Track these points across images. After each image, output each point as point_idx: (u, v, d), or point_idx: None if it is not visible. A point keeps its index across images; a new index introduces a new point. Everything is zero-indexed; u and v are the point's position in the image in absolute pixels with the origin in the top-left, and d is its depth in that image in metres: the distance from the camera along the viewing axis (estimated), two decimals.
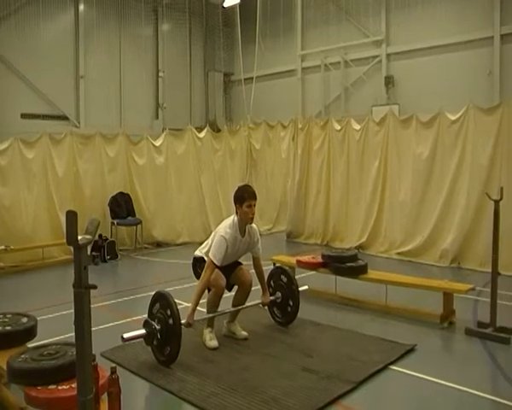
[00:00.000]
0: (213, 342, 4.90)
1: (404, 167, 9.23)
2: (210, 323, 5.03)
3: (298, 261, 6.75)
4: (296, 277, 7.01)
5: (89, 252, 8.48)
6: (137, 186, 10.30)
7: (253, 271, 5.32)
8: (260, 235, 11.83)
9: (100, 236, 9.11)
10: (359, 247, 9.52)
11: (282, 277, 5.65)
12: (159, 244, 10.55)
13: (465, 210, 8.40)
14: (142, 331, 4.50)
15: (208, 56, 19.33)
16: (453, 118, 8.68)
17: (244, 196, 4.95)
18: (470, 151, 8.45)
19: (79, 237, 2.32)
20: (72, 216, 2.29)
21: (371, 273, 6.33)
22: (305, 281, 7.18)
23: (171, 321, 4.43)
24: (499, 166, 8.13)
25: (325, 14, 15.99)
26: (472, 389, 4.04)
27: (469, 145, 8.46)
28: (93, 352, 2.47)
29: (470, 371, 4.52)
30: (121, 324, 5.78)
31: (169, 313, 4.46)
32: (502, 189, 5.57)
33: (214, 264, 4.83)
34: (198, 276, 5.08)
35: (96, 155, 9.84)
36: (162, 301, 4.58)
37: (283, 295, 5.55)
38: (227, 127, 12.82)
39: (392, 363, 4.55)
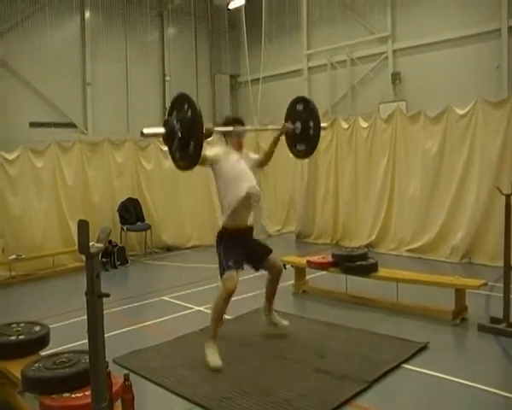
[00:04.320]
0: (215, 360, 4.51)
1: (412, 164, 9.20)
2: (213, 336, 4.66)
3: (308, 262, 6.75)
4: (307, 277, 7.10)
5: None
6: (146, 191, 10.35)
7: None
8: (270, 236, 11.91)
9: (110, 242, 9.13)
10: (369, 245, 9.49)
11: (298, 106, 5.37)
12: (169, 249, 10.59)
13: (475, 205, 8.35)
14: (162, 130, 4.27)
15: (214, 59, 19.35)
16: (461, 112, 8.63)
17: (230, 122, 4.92)
18: (479, 146, 8.40)
19: (91, 245, 2.35)
20: (83, 225, 2.32)
21: (382, 271, 6.31)
22: (316, 281, 7.23)
23: (190, 115, 4.16)
24: (509, 160, 8.07)
25: (330, 12, 15.94)
26: (486, 386, 4.02)
27: (478, 140, 8.41)
28: (106, 358, 2.49)
29: (484, 367, 4.49)
30: (133, 329, 5.82)
31: (189, 112, 4.18)
32: None
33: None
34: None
35: (104, 162, 9.89)
36: (182, 102, 4.27)
37: (302, 121, 5.29)
38: None
39: (404, 361, 4.53)
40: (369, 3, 15.15)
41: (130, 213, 9.88)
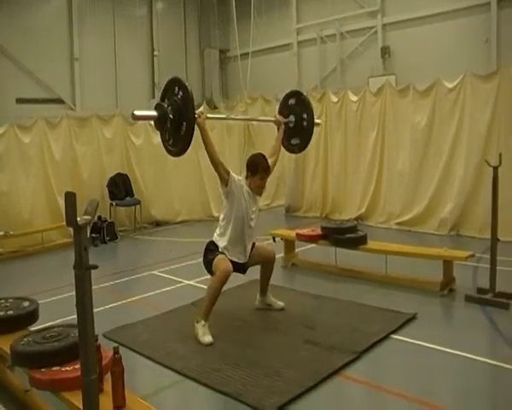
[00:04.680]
0: (207, 338, 4.49)
1: (401, 137, 9.21)
2: (206, 316, 4.60)
3: (297, 234, 6.76)
4: (296, 250, 7.14)
5: (88, 234, 8.50)
6: (135, 166, 10.30)
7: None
8: (259, 210, 11.89)
9: (99, 217, 9.12)
10: (358, 218, 9.55)
11: (291, 100, 5.51)
12: (158, 224, 10.58)
13: (463, 178, 8.40)
14: (154, 113, 4.35)
15: (203, 33, 19.11)
16: (450, 86, 8.63)
17: (258, 169, 4.82)
18: (468, 119, 8.43)
19: (78, 219, 2.33)
20: (70, 197, 2.30)
21: (371, 244, 6.35)
22: (306, 254, 7.27)
23: (180, 100, 4.30)
24: (497, 133, 8.11)
25: None
26: (473, 355, 4.09)
27: (467, 113, 8.44)
28: (96, 333, 2.49)
29: (471, 336, 4.56)
30: (122, 304, 5.84)
31: (180, 94, 4.31)
32: (500, 155, 5.54)
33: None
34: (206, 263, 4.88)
35: (92, 137, 9.81)
36: (174, 86, 4.40)
37: (296, 114, 5.43)
38: (223, 104, 12.74)
39: (393, 332, 4.58)
40: None
41: (120, 188, 9.83)
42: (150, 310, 5.49)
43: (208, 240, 4.94)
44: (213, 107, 14.01)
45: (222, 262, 4.62)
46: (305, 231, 6.79)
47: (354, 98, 9.93)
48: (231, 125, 11.62)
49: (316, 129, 10.46)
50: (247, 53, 14.79)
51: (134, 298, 6.03)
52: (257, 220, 5.01)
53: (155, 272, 7.09)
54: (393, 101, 9.33)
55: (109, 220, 9.44)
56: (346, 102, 10.02)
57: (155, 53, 17.68)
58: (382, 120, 9.45)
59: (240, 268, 4.93)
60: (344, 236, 6.34)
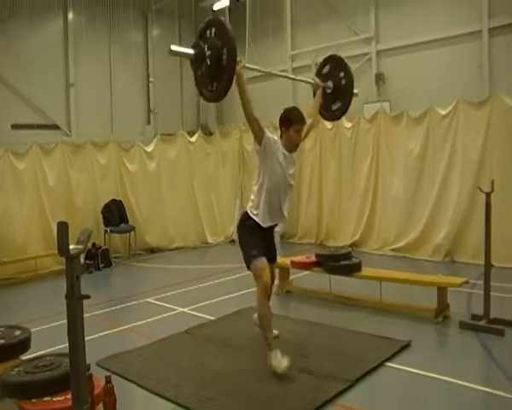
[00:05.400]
0: (283, 363, 4.21)
1: (395, 164, 9.27)
2: (270, 346, 4.37)
3: (292, 262, 6.76)
4: (291, 277, 7.12)
5: (82, 261, 8.49)
6: (130, 193, 10.31)
7: None
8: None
9: (93, 244, 9.10)
10: (353, 245, 9.55)
11: (325, 68, 5.37)
12: (152, 250, 10.55)
13: (457, 204, 8.45)
14: (191, 51, 4.10)
15: None
16: (443, 113, 8.73)
17: (292, 119, 4.46)
18: (461, 146, 8.51)
19: (71, 247, 2.33)
20: (63, 227, 2.30)
21: (365, 271, 6.34)
22: (300, 281, 7.26)
23: (224, 52, 3.97)
24: (490, 159, 8.18)
25: (315, 13, 15.99)
26: (467, 383, 4.06)
27: (460, 140, 8.52)
28: (89, 361, 2.49)
29: (465, 364, 4.55)
30: (116, 332, 5.79)
31: (222, 44, 3.98)
32: (493, 182, 5.58)
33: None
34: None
35: (87, 164, 9.83)
36: (218, 29, 4.06)
37: (333, 78, 5.27)
38: (219, 130, 12.81)
39: (387, 360, 4.55)
40: (353, 4, 15.23)
41: (114, 214, 9.83)
42: (144, 338, 5.45)
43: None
44: (209, 133, 14.07)
45: (263, 272, 4.33)
46: (299, 259, 6.78)
47: (348, 125, 10.00)
48: (226, 152, 11.65)
49: (310, 154, 10.62)
50: None
51: (127, 326, 5.99)
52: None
53: (149, 300, 7.05)
54: (387, 127, 9.41)
55: (104, 247, 9.41)
56: (341, 128, 10.09)
57: (151, 79, 17.82)
58: (376, 146, 9.52)
59: (268, 231, 4.65)
60: (338, 263, 6.33)
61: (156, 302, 6.92)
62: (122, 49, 16.86)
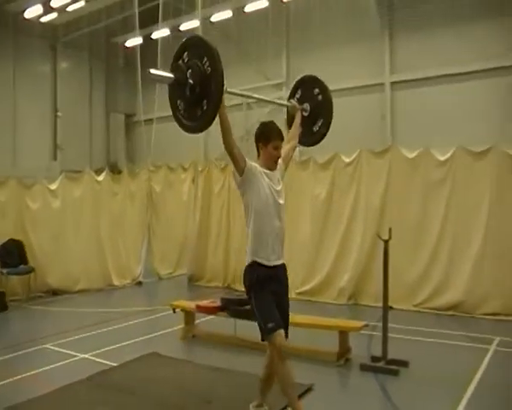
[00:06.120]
0: None
1: (302, 209, 9.46)
2: (296, 406, 4.03)
3: (197, 306, 6.68)
4: (197, 321, 7.04)
5: None
6: (31, 232, 9.76)
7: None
8: (161, 279, 11.74)
9: None
10: None
11: (297, 94, 5.04)
12: (55, 292, 10.01)
13: (360, 248, 8.76)
14: (171, 75, 3.70)
15: (109, 97, 19.09)
16: (347, 160, 9.08)
17: (271, 135, 4.17)
18: (364, 192, 8.88)
19: None
20: None
21: None
22: (207, 325, 7.19)
23: (209, 69, 3.58)
24: (390, 206, 8.59)
25: (225, 56, 16.25)
26: None
27: (363, 186, 8.89)
28: None
29: (363, 405, 4.70)
30: (13, 382, 5.40)
31: (206, 61, 3.58)
32: (390, 229, 5.85)
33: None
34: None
35: None
36: (195, 50, 3.69)
37: (309, 99, 4.95)
38: (128, 170, 12.61)
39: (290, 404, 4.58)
40: (264, 50, 15.73)
41: (12, 255, 9.31)
42: (42, 387, 5.14)
43: None
44: (117, 171, 13.83)
45: (273, 340, 3.98)
46: (204, 303, 6.72)
47: None
48: (134, 192, 11.44)
49: (218, 200, 10.63)
50: (151, 119, 14.87)
51: (24, 375, 5.59)
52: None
53: (48, 346, 6.67)
54: (294, 173, 9.61)
55: None
56: None
57: (58, 114, 17.35)
58: (283, 191, 9.66)
59: (277, 275, 4.22)
60: (243, 307, 6.32)
61: (56, 349, 6.57)
62: (27, 80, 16.30)
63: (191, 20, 15.93)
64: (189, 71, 3.62)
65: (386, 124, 14.49)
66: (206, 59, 3.60)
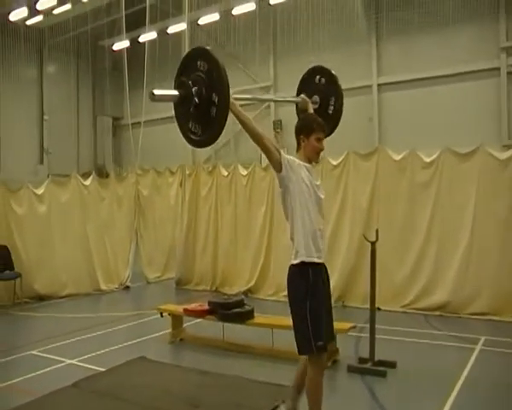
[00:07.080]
0: None
1: None
2: None
3: (185, 310, 6.66)
4: (184, 325, 7.02)
5: None
6: (16, 237, 9.65)
7: None
8: (149, 283, 11.70)
9: None
10: (248, 291, 9.60)
11: (319, 77, 4.86)
12: (41, 298, 9.90)
13: (347, 250, 8.77)
14: (175, 92, 3.58)
15: (97, 100, 19.03)
16: (335, 163, 9.09)
17: (313, 126, 4.03)
18: (351, 194, 8.89)
19: None
20: None
21: (257, 318, 6.38)
22: (194, 328, 7.17)
23: (216, 87, 3.56)
24: (376, 207, 8.62)
25: None
26: None
27: (350, 189, 8.91)
28: None
29: (351, 407, 4.72)
30: None
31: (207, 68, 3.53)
32: (377, 231, 5.88)
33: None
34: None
35: None
36: (196, 60, 3.64)
37: (321, 93, 4.77)
38: (115, 173, 12.56)
39: (278, 407, 4.56)
40: (251, 53, 15.75)
41: None
42: (27, 395, 5.07)
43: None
44: (105, 175, 13.77)
45: (320, 362, 3.94)
46: (192, 307, 6.70)
47: (244, 172, 10.16)
48: (122, 196, 11.38)
49: (205, 203, 10.62)
50: (139, 122, 14.84)
51: (9, 382, 5.52)
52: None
53: (34, 352, 6.59)
54: None
55: None
56: (237, 175, 10.22)
57: (45, 117, 17.25)
58: (271, 194, 9.67)
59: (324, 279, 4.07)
60: (231, 311, 6.32)
61: (42, 354, 6.50)
62: (13, 84, 16.16)
63: (178, 23, 15.92)
64: (195, 88, 3.55)
65: (373, 126, 14.58)
66: (206, 66, 3.61)
